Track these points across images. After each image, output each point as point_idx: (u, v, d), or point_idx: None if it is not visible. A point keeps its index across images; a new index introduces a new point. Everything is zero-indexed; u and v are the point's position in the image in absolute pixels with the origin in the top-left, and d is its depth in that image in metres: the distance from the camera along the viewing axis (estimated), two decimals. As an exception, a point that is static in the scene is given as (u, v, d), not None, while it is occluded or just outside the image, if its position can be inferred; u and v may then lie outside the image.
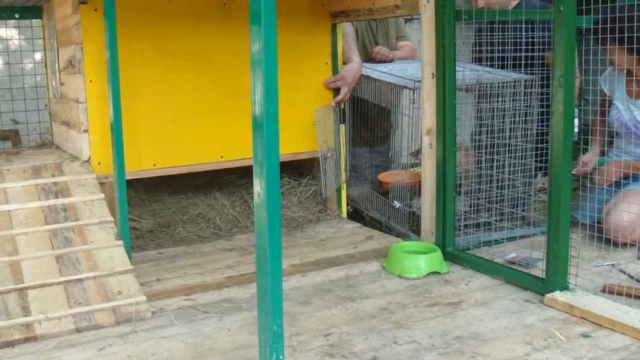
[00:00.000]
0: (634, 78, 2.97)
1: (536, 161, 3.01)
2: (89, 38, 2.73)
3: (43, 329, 2.01)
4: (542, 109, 2.90)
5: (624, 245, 2.77)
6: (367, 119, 3.67)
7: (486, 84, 2.95)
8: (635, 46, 2.67)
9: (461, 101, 2.84)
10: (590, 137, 3.16)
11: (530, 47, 2.93)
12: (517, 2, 3.39)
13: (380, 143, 3.88)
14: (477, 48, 3.30)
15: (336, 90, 3.35)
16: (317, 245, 2.97)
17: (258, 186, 1.47)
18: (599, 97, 3.10)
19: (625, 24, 2.55)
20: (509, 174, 2.93)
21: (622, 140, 3.06)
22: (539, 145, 2.99)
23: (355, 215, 3.57)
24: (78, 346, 1.96)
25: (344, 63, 3.40)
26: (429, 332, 2.02)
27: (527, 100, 2.98)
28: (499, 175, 2.89)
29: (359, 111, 3.62)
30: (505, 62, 2.98)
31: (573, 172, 3.08)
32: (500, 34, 2.95)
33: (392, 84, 3.19)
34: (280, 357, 1.53)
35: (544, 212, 2.92)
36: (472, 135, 3.19)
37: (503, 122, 2.94)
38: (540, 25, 2.99)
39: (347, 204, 3.53)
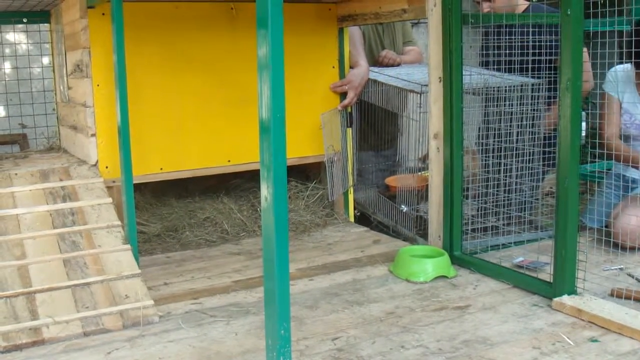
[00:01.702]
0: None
1: (543, 165, 3.00)
2: (97, 42, 2.74)
3: (51, 333, 2.02)
4: (549, 113, 2.89)
5: (632, 249, 2.76)
6: (374, 123, 3.67)
7: (493, 87, 2.94)
8: None
9: (468, 105, 2.84)
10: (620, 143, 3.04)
11: (537, 50, 2.93)
12: (524, 7, 3.38)
13: (387, 147, 3.87)
14: (484, 52, 3.29)
15: (343, 95, 3.36)
16: (324, 249, 2.97)
17: (265, 190, 1.47)
18: (599, 101, 3.08)
19: None
20: (516, 178, 2.92)
21: (638, 143, 3.03)
22: (546, 149, 2.98)
23: (363, 219, 3.57)
24: (86, 350, 1.96)
25: (350, 67, 3.40)
26: (437, 337, 2.02)
27: (534, 104, 2.97)
28: (506, 179, 2.88)
29: (366, 115, 3.62)
30: (512, 66, 2.97)
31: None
32: (507, 37, 2.94)
33: (399, 88, 3.18)
34: (288, 361, 1.53)
35: (551, 216, 2.91)
36: (479, 139, 3.18)
37: (510, 126, 2.93)
38: (548, 29, 2.98)
39: (354, 208, 3.52)
